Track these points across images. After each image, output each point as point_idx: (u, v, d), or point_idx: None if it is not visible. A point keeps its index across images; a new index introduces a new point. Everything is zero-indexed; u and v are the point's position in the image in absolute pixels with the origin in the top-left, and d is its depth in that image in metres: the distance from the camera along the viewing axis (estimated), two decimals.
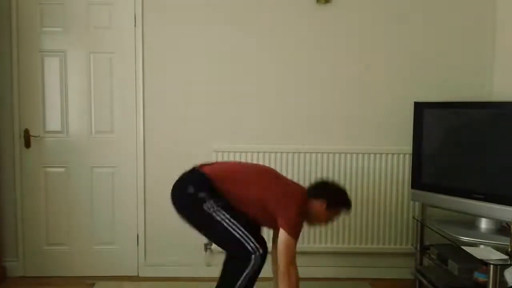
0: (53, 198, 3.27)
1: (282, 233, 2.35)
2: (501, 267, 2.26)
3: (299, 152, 3.20)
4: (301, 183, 3.19)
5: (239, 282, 2.40)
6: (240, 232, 2.38)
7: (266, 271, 2.53)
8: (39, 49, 3.19)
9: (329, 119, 3.25)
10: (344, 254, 3.29)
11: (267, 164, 3.11)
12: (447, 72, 3.25)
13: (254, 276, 2.45)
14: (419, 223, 3.02)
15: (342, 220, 3.25)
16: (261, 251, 2.38)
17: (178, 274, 3.29)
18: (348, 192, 3.19)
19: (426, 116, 2.91)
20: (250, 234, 2.39)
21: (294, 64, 3.20)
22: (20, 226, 3.26)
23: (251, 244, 2.37)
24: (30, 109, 3.21)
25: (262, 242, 2.42)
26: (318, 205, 2.44)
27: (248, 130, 3.24)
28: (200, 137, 3.22)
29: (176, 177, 3.23)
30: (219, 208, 2.38)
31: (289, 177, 3.18)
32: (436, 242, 2.96)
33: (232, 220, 2.38)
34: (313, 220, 2.49)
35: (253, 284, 2.48)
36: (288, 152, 3.19)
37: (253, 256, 2.36)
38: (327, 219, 2.49)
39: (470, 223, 2.77)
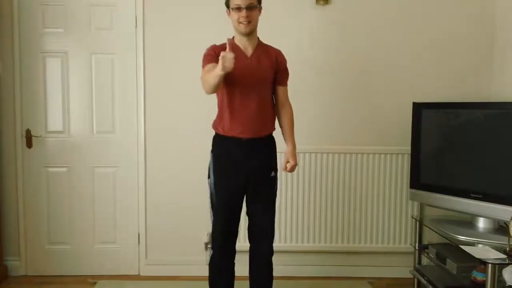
0: (55, 198, 3.29)
1: None
2: (499, 266, 2.28)
3: (299, 152, 3.19)
4: (300, 184, 3.24)
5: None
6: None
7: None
8: (40, 50, 3.20)
9: (329, 119, 3.27)
10: (343, 253, 3.31)
11: None
12: (446, 72, 3.26)
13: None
14: (417, 223, 3.04)
15: (341, 219, 3.27)
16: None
17: (179, 273, 3.30)
18: (348, 192, 3.26)
19: (425, 116, 2.92)
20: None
21: (293, 65, 3.20)
22: (22, 226, 3.28)
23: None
24: (32, 110, 3.23)
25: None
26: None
27: None
28: (202, 137, 3.22)
29: (176, 177, 3.28)
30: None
31: (289, 177, 3.22)
32: (434, 242, 2.98)
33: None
34: (239, 28, 2.43)
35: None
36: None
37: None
38: (236, 18, 2.40)
39: (468, 223, 2.78)
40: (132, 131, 3.27)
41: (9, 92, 3.20)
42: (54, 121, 3.25)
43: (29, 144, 3.23)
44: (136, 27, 3.19)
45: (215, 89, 2.34)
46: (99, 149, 3.28)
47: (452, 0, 3.23)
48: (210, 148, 2.54)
